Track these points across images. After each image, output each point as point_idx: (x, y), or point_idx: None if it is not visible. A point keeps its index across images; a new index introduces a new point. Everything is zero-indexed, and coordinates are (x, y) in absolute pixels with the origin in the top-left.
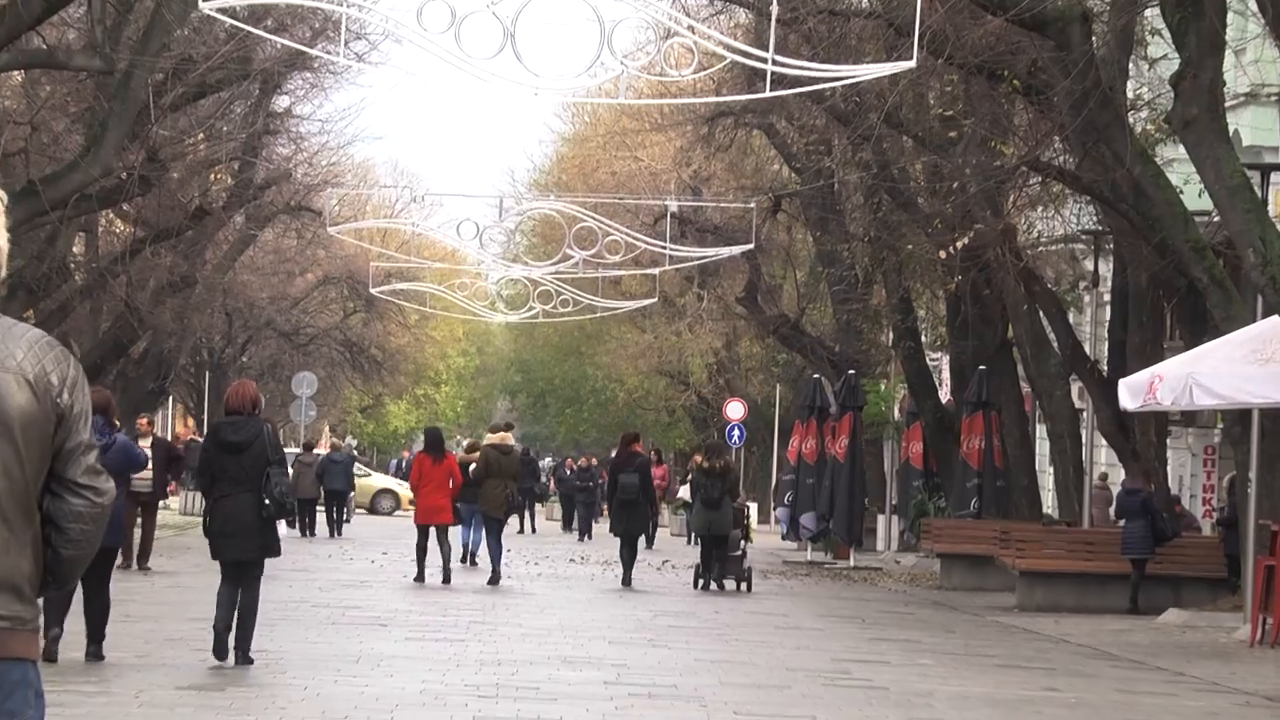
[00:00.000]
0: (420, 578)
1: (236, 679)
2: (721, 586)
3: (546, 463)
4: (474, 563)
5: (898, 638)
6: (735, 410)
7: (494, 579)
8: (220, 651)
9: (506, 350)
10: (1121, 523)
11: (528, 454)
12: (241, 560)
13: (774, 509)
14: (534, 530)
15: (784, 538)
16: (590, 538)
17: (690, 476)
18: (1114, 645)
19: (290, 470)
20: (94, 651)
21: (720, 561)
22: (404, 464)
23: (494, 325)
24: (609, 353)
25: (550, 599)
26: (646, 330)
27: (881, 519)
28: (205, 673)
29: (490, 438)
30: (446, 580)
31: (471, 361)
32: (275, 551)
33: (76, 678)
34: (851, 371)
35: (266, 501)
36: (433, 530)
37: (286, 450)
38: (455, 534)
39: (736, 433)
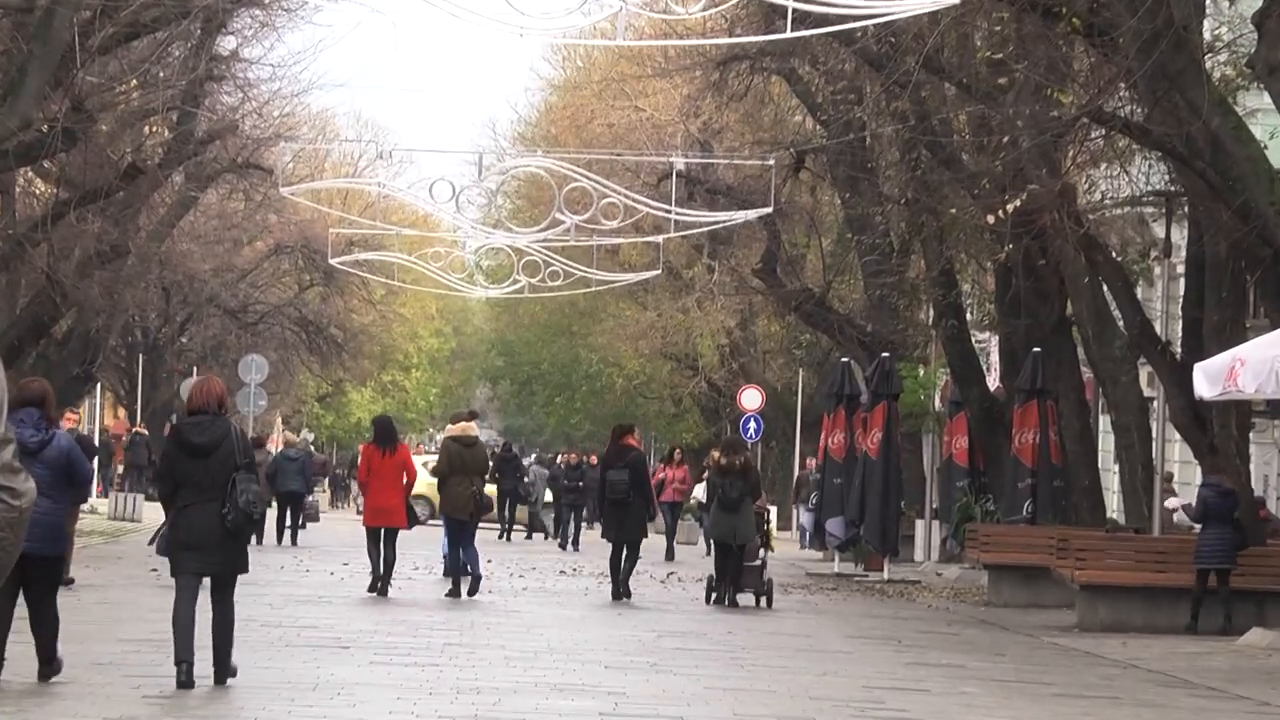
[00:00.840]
0: (374, 586)
1: (174, 709)
2: (735, 602)
3: (532, 460)
4: (472, 591)
5: (939, 662)
6: (751, 399)
7: (473, 586)
8: (188, 684)
9: (487, 330)
10: (1197, 528)
11: (509, 449)
12: (208, 575)
13: (796, 512)
14: (548, 533)
15: (805, 546)
16: (577, 547)
17: (705, 476)
18: (1189, 671)
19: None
20: (45, 673)
21: (737, 573)
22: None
23: (472, 301)
24: (605, 333)
25: (537, 617)
26: (649, 307)
27: (920, 525)
28: (138, 701)
29: (452, 429)
30: (381, 591)
31: (446, 343)
32: (244, 566)
33: None
34: (885, 355)
35: (226, 511)
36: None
37: None
38: (437, 543)
39: (753, 425)
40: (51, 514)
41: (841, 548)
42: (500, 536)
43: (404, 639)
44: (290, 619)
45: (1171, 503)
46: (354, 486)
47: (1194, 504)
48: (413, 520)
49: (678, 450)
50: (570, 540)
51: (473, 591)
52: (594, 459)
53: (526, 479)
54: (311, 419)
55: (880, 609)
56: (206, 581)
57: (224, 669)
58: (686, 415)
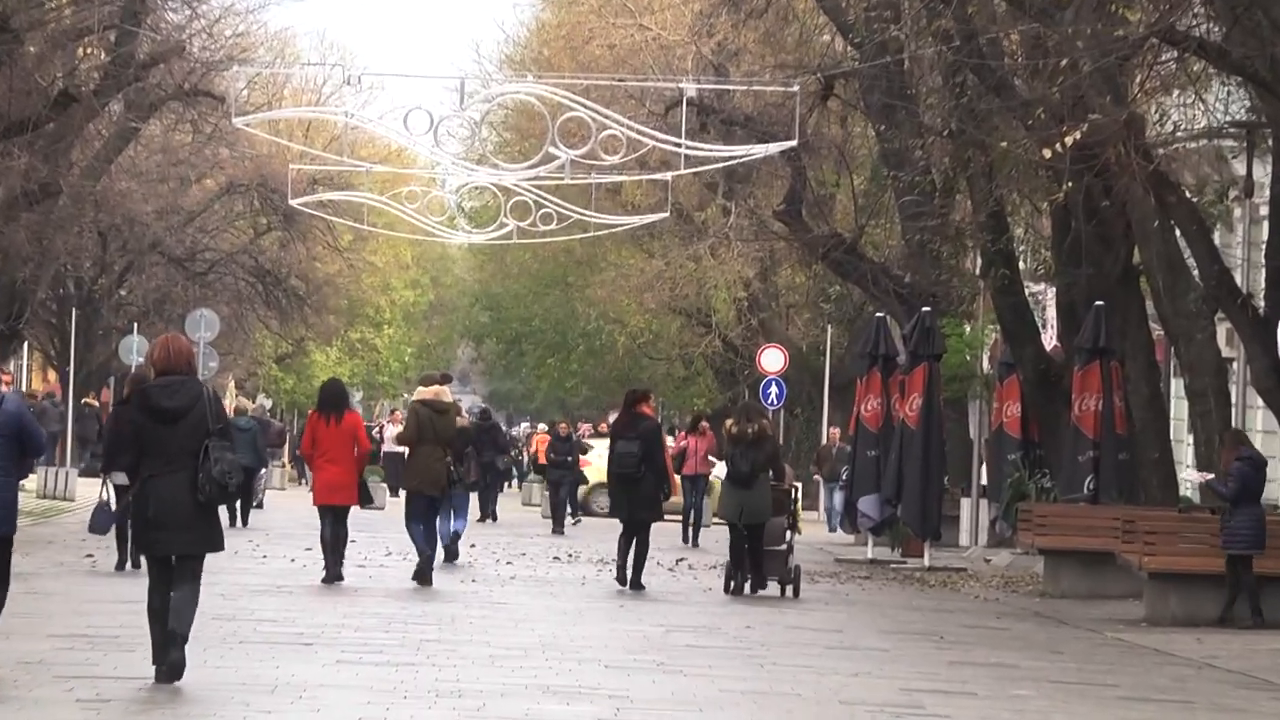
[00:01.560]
0: (332, 576)
1: (112, 714)
2: (755, 590)
3: (522, 429)
4: (451, 556)
5: (987, 661)
6: (773, 360)
7: (420, 575)
8: (167, 677)
9: (469, 281)
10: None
11: (487, 416)
12: (178, 554)
13: (821, 491)
14: (493, 516)
15: (833, 529)
16: (561, 529)
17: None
18: (1273, 670)
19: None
20: None
21: (756, 559)
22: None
23: (453, 248)
24: (605, 285)
25: (528, 609)
26: (655, 255)
27: (966, 504)
28: (70, 705)
29: (422, 392)
30: (331, 577)
31: (423, 296)
32: (219, 543)
33: None
34: (926, 309)
35: (202, 483)
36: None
37: None
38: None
39: (774, 390)
40: (4, 489)
41: (876, 530)
42: (482, 518)
43: (375, 634)
44: (245, 611)
45: (1192, 475)
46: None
47: (1226, 478)
48: (366, 498)
49: (703, 418)
50: (558, 521)
51: (450, 556)
52: (581, 429)
53: (515, 452)
54: (269, 383)
55: (920, 600)
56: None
57: (175, 665)
58: (698, 379)
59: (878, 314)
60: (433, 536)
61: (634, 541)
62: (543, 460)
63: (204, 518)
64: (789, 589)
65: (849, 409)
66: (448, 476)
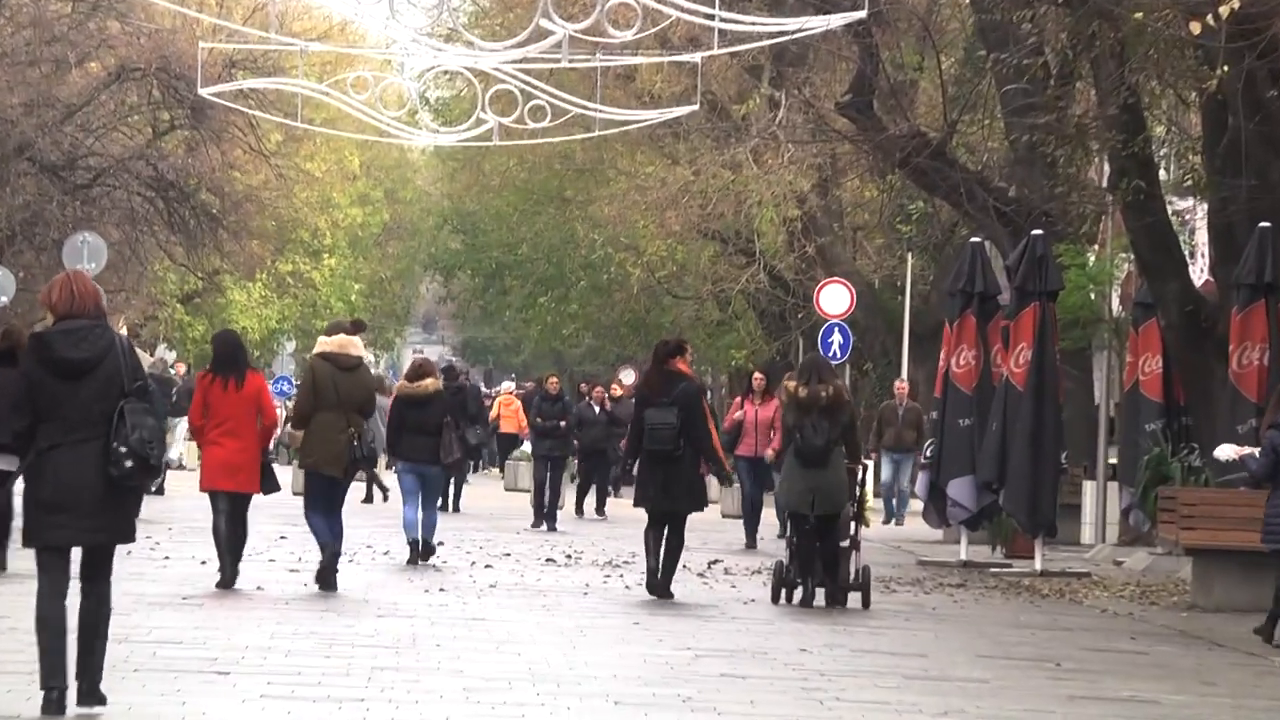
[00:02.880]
0: (228, 579)
1: None
2: (831, 603)
3: (503, 389)
4: (425, 557)
5: (1117, 695)
6: (835, 299)
7: (322, 577)
8: (58, 707)
9: (436, 196)
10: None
11: (453, 375)
12: (81, 545)
13: (886, 462)
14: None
15: (889, 520)
16: (554, 525)
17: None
18: None
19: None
20: None
21: (829, 560)
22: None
23: (415, 153)
24: (615, 201)
25: (513, 628)
26: (681, 161)
27: (1090, 489)
28: None
29: (323, 344)
30: (225, 582)
31: (376, 216)
32: (129, 534)
33: None
34: (1037, 233)
35: (121, 454)
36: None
37: None
38: (388, 511)
39: (837, 338)
40: None
41: (971, 524)
42: (444, 506)
43: (312, 660)
44: (141, 631)
45: (1227, 451)
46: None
47: (1259, 452)
48: (270, 483)
49: (759, 376)
50: (549, 513)
51: (424, 554)
52: (600, 391)
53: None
54: (172, 330)
55: (1030, 615)
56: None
57: (94, 686)
58: (737, 324)
59: (973, 239)
60: (337, 527)
61: (665, 536)
62: (514, 428)
63: (117, 500)
64: (847, 598)
65: (934, 363)
66: (351, 453)
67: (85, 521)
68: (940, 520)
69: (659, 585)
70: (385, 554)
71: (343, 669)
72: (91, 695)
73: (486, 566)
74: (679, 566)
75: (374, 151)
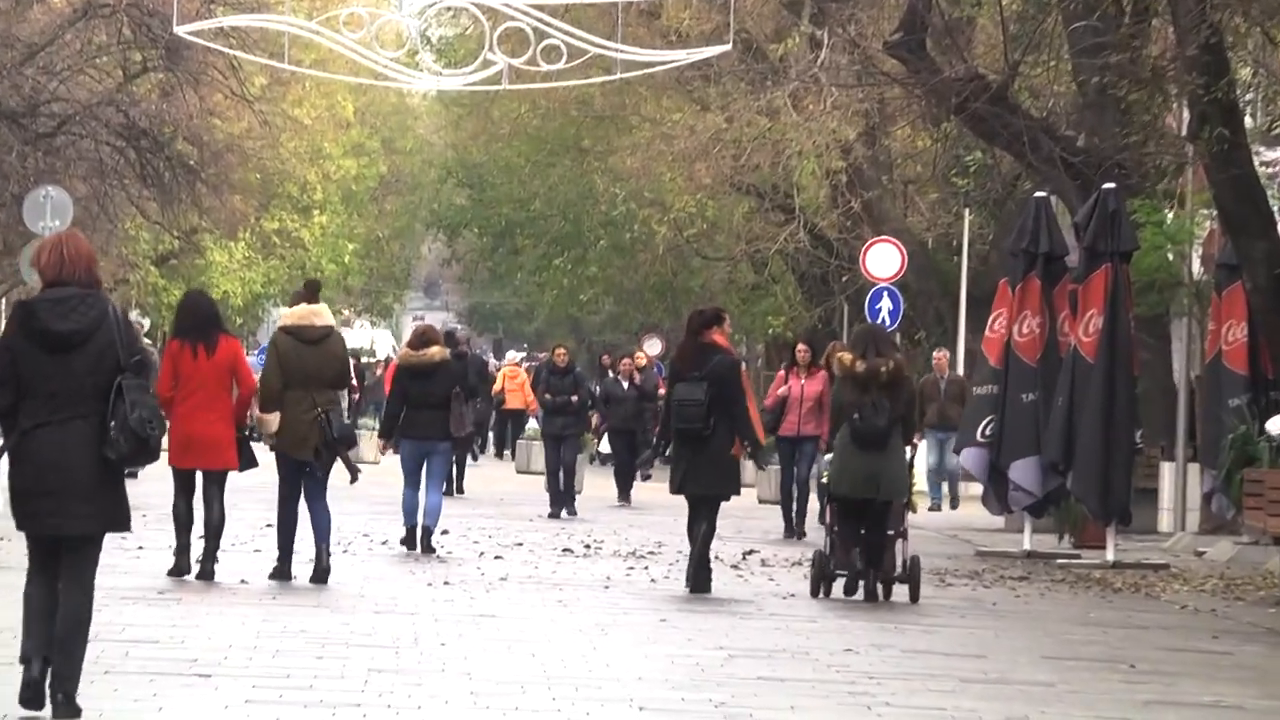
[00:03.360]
0: (183, 567)
1: None
2: (887, 596)
3: (508, 360)
4: (427, 546)
5: (1198, 700)
6: (884, 260)
7: (317, 574)
8: (35, 699)
9: (439, 147)
10: None
11: (451, 342)
12: (69, 536)
13: (928, 441)
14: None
15: (934, 503)
16: (571, 510)
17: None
18: None
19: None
20: None
21: (875, 551)
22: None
23: (415, 99)
24: (639, 152)
25: (525, 626)
26: (711, 107)
27: (1168, 471)
28: None
29: (285, 317)
30: (187, 570)
31: (372, 168)
32: (124, 522)
33: None
34: (1109, 186)
35: (119, 435)
36: (200, 482)
37: None
38: (388, 495)
39: (886, 304)
40: None
41: (1035, 510)
42: (449, 490)
43: (302, 661)
44: (113, 628)
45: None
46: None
47: None
48: (247, 459)
49: (803, 348)
50: (565, 498)
51: (423, 544)
52: (629, 364)
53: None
54: (146, 293)
55: (1101, 611)
56: None
57: (69, 697)
58: (774, 288)
59: (1038, 193)
60: (321, 517)
61: (696, 523)
62: (520, 403)
63: (108, 485)
64: (897, 591)
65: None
66: (321, 436)
67: (75, 507)
68: (1001, 506)
69: (691, 578)
70: (384, 543)
71: (336, 671)
72: (68, 707)
73: (496, 557)
74: (711, 556)
75: (369, 96)
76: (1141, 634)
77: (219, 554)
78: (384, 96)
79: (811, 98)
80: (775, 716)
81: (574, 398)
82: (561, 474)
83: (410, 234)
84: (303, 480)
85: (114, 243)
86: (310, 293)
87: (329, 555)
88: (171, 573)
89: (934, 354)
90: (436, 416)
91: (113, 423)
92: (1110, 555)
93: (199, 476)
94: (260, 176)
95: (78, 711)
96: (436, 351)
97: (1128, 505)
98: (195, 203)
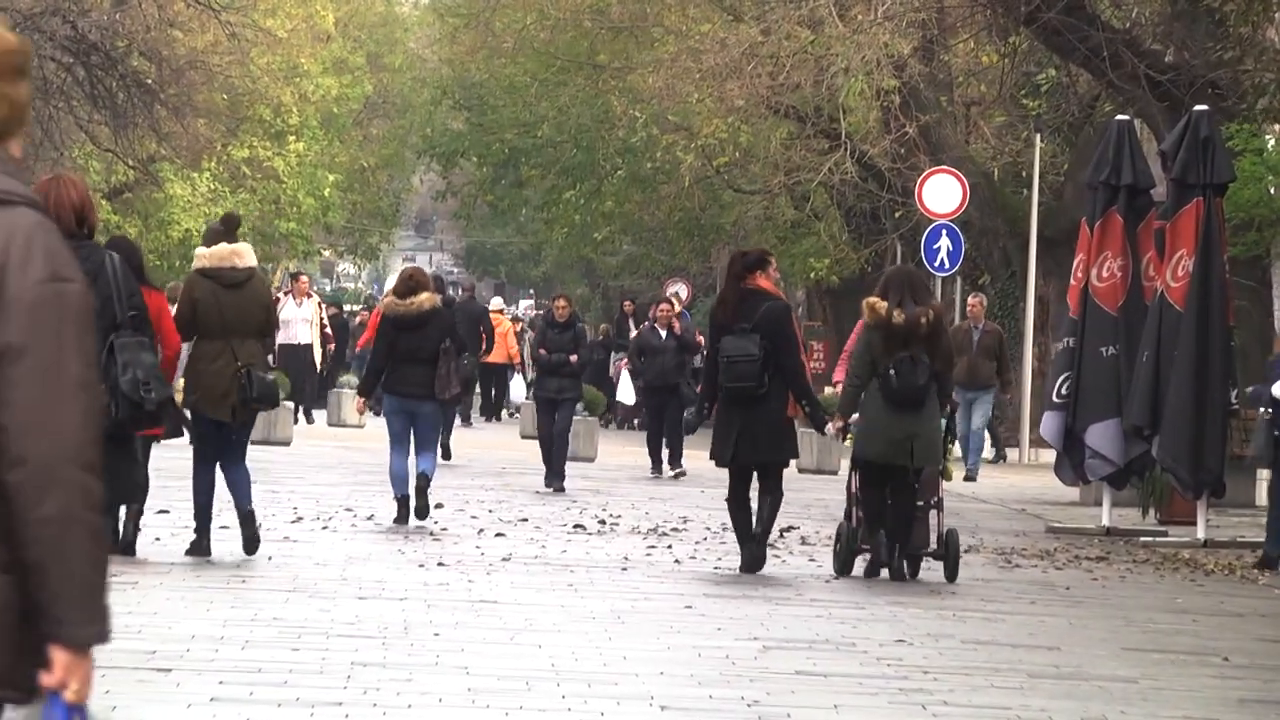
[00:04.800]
0: (120, 545)
1: None
2: (903, 573)
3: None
4: (421, 514)
5: None
6: (942, 194)
7: (248, 542)
8: None
9: (433, 63)
10: None
11: (440, 286)
12: None
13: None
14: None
15: (972, 475)
16: (559, 486)
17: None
18: None
19: None
20: None
21: (901, 523)
22: None
23: (405, 7)
24: (662, 69)
25: (532, 612)
26: (745, 18)
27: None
28: None
29: (202, 258)
30: (125, 549)
31: (355, 88)
32: (129, 492)
33: None
34: (1201, 108)
35: (109, 400)
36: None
37: None
38: (374, 463)
39: (945, 244)
40: None
41: (1116, 480)
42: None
43: (275, 654)
44: None
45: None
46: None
47: None
48: (174, 424)
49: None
50: (557, 468)
51: (418, 510)
52: (667, 310)
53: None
54: (97, 232)
55: (1190, 597)
56: None
57: None
58: (817, 226)
59: (1119, 117)
60: (242, 484)
61: (759, 494)
62: (503, 357)
63: (109, 455)
64: (916, 568)
65: (1067, 275)
66: (241, 388)
67: None
68: (1076, 476)
69: (750, 559)
70: (369, 519)
71: (315, 665)
72: None
73: (498, 535)
74: (724, 530)
75: (353, 5)
76: (1236, 623)
77: (142, 522)
78: (370, 6)
79: (860, 6)
80: (816, 717)
81: (573, 358)
82: (556, 442)
83: (399, 163)
84: (215, 442)
85: (61, 171)
86: (229, 229)
87: (256, 521)
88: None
89: (969, 299)
90: (425, 372)
91: (104, 387)
92: (1201, 533)
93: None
94: (227, 97)
95: None
96: (426, 299)
97: (1221, 475)
98: (153, 128)
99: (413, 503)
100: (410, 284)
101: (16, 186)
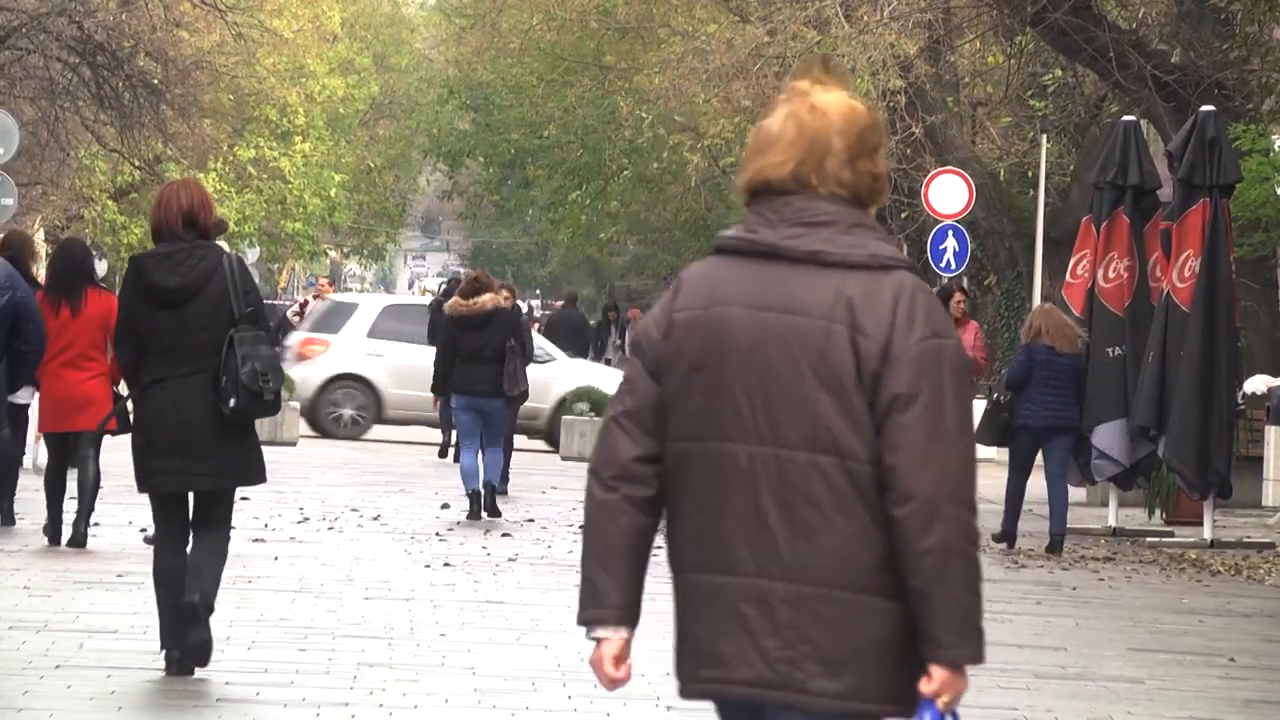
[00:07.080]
0: (55, 536)
1: None
2: None
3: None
4: (491, 510)
5: None
6: (949, 194)
7: (487, 506)
8: (180, 667)
9: (439, 62)
10: None
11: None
12: (193, 490)
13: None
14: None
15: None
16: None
17: None
18: None
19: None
20: None
21: None
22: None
23: (412, 8)
24: (669, 69)
25: (537, 611)
26: (752, 18)
27: (1274, 436)
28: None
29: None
30: (59, 540)
31: (362, 88)
32: (252, 475)
33: None
34: (1208, 109)
35: (229, 389)
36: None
37: None
38: (379, 464)
39: (951, 243)
40: None
41: (1122, 481)
42: (442, 453)
43: (281, 654)
44: (67, 617)
45: (1260, 383)
46: None
47: None
48: (125, 422)
49: (959, 295)
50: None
51: (490, 506)
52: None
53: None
54: (103, 233)
55: (1196, 597)
56: None
57: (197, 647)
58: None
59: (1125, 117)
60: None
61: None
62: None
63: (232, 439)
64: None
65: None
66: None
67: (197, 464)
68: (1083, 476)
69: None
70: (375, 519)
71: (321, 665)
72: (196, 649)
73: (504, 535)
74: None
75: (360, 6)
76: (1243, 623)
77: (93, 517)
78: (376, 6)
79: (866, 6)
80: None
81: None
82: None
83: (406, 164)
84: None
85: (66, 173)
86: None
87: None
88: (51, 542)
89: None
90: (491, 371)
91: (224, 378)
92: (1208, 533)
93: (71, 441)
94: (233, 98)
95: (208, 633)
96: (489, 299)
97: (1228, 476)
98: (159, 128)
99: (482, 498)
100: (474, 285)
101: (894, 252)
